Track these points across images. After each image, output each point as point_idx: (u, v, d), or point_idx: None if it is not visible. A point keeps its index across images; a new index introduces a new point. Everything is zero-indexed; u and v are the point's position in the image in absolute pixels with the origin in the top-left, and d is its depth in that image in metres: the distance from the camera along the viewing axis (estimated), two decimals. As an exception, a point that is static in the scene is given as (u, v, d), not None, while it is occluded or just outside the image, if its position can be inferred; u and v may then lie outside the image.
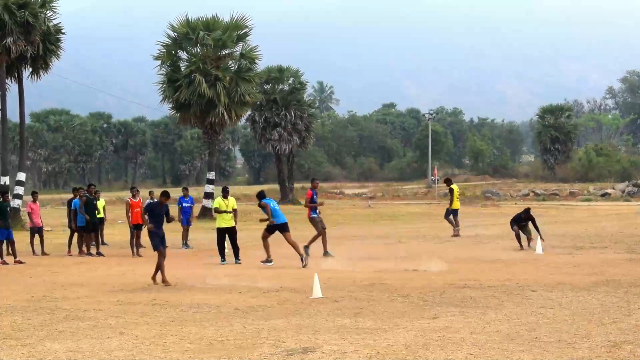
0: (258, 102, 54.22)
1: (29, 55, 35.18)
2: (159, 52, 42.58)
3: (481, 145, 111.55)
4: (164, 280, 15.90)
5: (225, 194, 20.43)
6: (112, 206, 44.35)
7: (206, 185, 44.09)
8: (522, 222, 22.46)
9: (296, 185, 63.68)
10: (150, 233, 16.24)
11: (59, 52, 37.24)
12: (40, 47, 35.65)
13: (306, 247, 19.40)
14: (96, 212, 23.62)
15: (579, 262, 18.49)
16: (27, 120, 66.66)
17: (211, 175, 43.99)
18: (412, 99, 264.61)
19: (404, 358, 8.84)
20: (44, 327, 11.25)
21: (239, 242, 20.21)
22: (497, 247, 22.91)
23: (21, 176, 36.37)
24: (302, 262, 18.64)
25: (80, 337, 10.37)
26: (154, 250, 16.26)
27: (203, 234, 29.13)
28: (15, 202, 34.23)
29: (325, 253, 20.81)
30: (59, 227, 32.41)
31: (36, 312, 12.60)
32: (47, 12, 36.18)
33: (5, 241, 21.24)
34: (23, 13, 34.49)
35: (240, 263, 19.73)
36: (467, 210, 42.61)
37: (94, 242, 23.59)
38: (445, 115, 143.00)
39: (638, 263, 18.25)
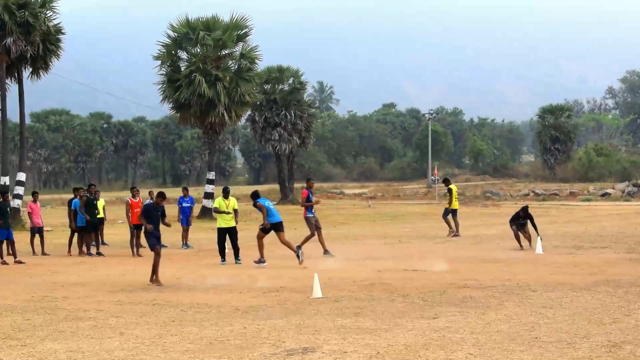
0: (258, 102, 54.18)
1: (29, 55, 35.14)
2: (159, 52, 42.61)
3: (481, 145, 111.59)
4: (156, 279, 15.88)
5: (225, 194, 20.42)
6: (112, 206, 44.37)
7: (206, 185, 44.09)
8: (520, 220, 22.45)
9: (296, 185, 63.50)
10: (146, 232, 16.27)
11: (59, 52, 37.18)
12: (40, 47, 35.61)
13: (298, 247, 19.37)
14: (96, 212, 23.63)
15: (579, 262, 18.48)
16: (27, 120, 66.67)
17: (211, 175, 44.00)
18: (412, 99, 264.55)
19: (404, 358, 8.84)
20: (44, 327, 11.24)
21: (239, 243, 20.22)
22: (497, 247, 22.90)
23: (21, 176, 36.34)
24: (299, 259, 18.65)
25: (81, 337, 10.37)
26: (151, 250, 16.28)
27: (203, 234, 29.15)
28: (16, 202, 34.21)
29: (325, 252, 20.84)
30: (59, 227, 32.41)
31: (36, 312, 12.59)
32: (47, 12, 36.11)
33: (5, 241, 21.22)
34: (23, 13, 34.47)
35: (240, 263, 19.73)
36: (467, 210, 42.67)
37: (94, 242, 23.60)
38: (445, 115, 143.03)
39: (638, 263, 18.25)
